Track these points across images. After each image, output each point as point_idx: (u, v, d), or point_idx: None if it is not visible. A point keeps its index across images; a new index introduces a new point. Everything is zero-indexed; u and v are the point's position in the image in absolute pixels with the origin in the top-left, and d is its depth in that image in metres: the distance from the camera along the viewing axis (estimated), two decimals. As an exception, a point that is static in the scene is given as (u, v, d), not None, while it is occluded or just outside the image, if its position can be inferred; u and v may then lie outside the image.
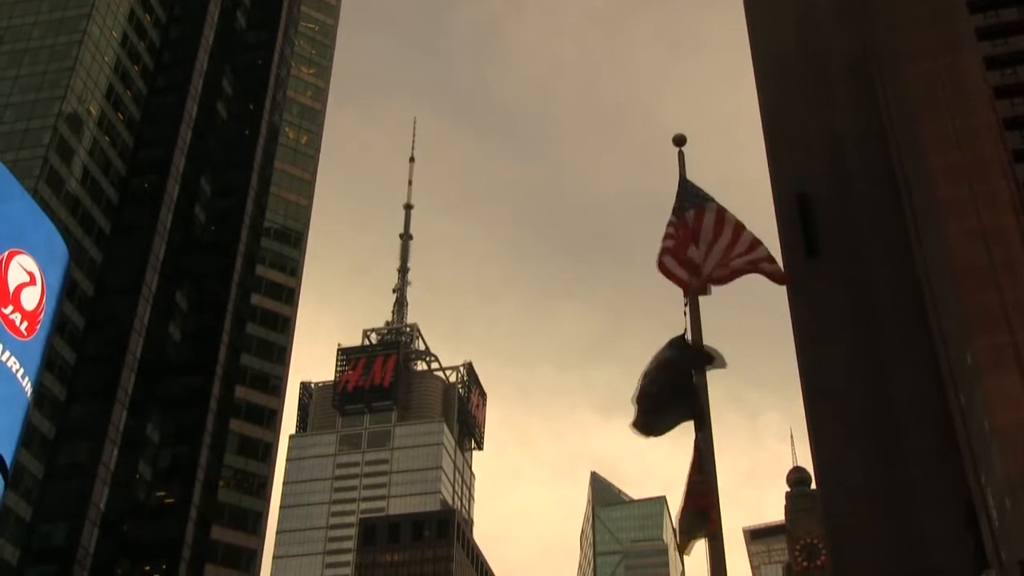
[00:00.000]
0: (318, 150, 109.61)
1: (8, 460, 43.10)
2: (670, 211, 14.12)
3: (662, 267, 13.36)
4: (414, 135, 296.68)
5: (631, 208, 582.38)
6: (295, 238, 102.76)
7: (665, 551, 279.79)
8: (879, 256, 50.23)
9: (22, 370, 43.41)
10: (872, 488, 45.18)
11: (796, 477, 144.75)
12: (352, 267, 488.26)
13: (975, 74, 44.29)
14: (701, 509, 11.23)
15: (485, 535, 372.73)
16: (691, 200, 13.89)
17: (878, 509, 44.81)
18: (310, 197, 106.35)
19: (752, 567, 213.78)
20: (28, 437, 55.73)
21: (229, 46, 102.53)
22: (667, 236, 13.59)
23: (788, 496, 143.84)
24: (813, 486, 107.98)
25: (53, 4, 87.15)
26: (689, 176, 14.76)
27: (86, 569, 71.30)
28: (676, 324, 12.62)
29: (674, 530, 11.77)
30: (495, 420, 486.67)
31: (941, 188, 40.37)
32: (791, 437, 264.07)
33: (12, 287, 43.12)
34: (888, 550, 43.23)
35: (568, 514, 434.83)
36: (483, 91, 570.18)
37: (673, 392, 11.90)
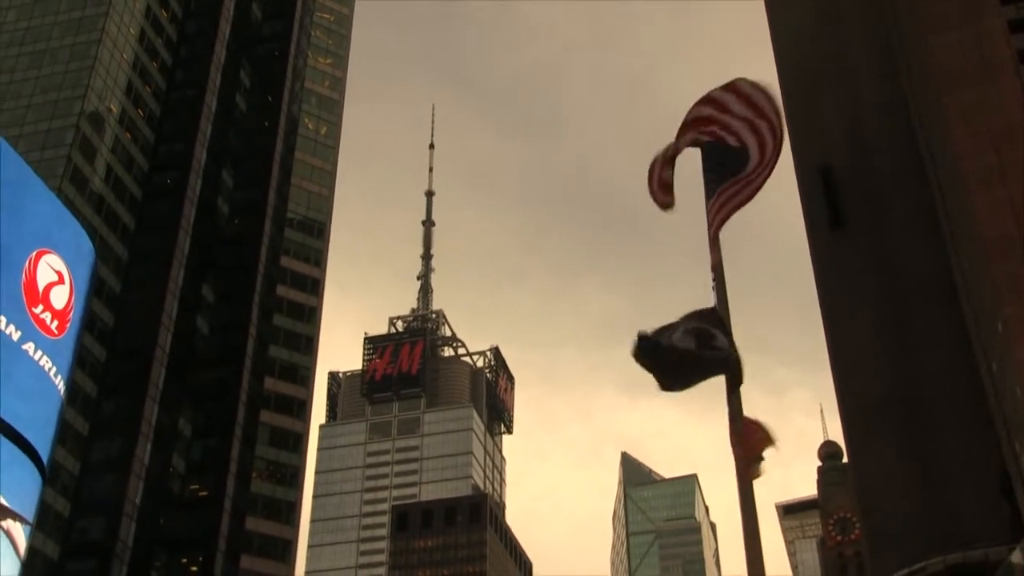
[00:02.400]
0: (338, 140, 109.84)
1: (45, 457, 43.66)
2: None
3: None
4: (433, 121, 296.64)
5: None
6: (318, 228, 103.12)
7: (698, 529, 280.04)
8: (905, 227, 49.76)
9: (54, 368, 43.90)
10: (905, 460, 44.91)
11: (827, 451, 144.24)
12: (375, 255, 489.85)
13: (999, 39, 43.64)
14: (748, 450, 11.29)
15: (516, 518, 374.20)
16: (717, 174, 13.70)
17: (911, 481, 44.53)
18: (331, 187, 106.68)
19: (786, 542, 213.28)
20: (63, 434, 56.39)
21: (245, 38, 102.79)
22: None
23: (820, 471, 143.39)
24: (845, 460, 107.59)
25: (72, 3, 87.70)
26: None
27: (125, 563, 72.20)
28: (698, 299, 12.49)
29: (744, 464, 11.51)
30: (521, 403, 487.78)
31: (967, 157, 39.85)
32: (821, 411, 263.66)
33: (42, 287, 43.57)
34: (922, 521, 42.93)
35: (598, 495, 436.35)
36: (498, 74, 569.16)
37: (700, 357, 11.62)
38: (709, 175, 13.35)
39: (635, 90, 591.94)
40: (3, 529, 40.20)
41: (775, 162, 12.78)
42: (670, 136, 13.90)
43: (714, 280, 12.63)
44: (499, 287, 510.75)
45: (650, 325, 12.28)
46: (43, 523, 64.63)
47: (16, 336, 41.58)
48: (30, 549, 43.08)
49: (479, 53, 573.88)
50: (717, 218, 12.73)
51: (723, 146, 12.97)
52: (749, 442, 11.45)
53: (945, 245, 46.03)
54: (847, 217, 50.21)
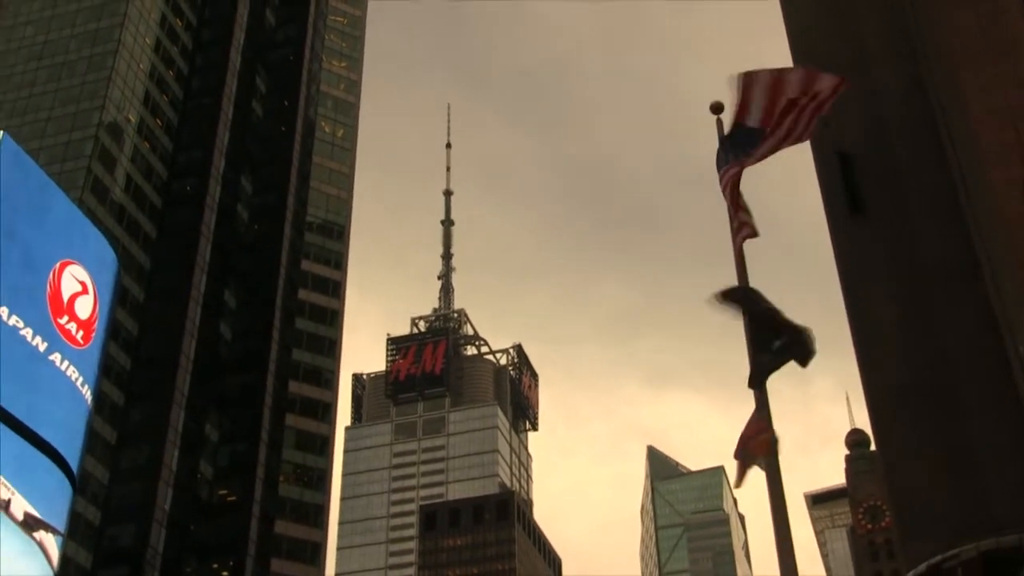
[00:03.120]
0: (354, 142, 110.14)
1: (74, 466, 44.00)
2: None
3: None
4: (449, 121, 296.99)
5: (664, 176, 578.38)
6: (337, 231, 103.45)
7: (727, 521, 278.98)
8: (925, 210, 49.34)
9: (81, 378, 44.23)
10: (933, 446, 44.62)
11: (854, 439, 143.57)
12: (394, 257, 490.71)
13: (1016, 16, 43.28)
14: (753, 438, 11.35)
15: (544, 515, 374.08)
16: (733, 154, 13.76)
17: (939, 466, 44.21)
18: (350, 190, 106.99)
19: (816, 532, 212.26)
20: (91, 443, 56.81)
21: (260, 44, 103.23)
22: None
23: (848, 459, 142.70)
24: (873, 448, 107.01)
25: (88, 16, 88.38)
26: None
27: (156, 569, 72.74)
28: (715, 286, 12.54)
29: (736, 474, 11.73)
30: (544, 400, 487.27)
31: (985, 136, 39.50)
32: (847, 399, 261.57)
33: (66, 297, 43.93)
34: (953, 506, 42.54)
35: (624, 489, 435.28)
36: (512, 72, 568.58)
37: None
38: (721, 153, 13.51)
39: (649, 86, 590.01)
40: (36, 540, 40.57)
41: (779, 141, 12.89)
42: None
43: (737, 268, 12.62)
44: (518, 285, 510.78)
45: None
46: (74, 532, 65.13)
47: (43, 347, 41.95)
48: (63, 558, 43.45)
49: (492, 52, 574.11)
50: (729, 187, 12.90)
51: (744, 127, 13.09)
52: (756, 440, 11.50)
53: (966, 227, 45.66)
54: (866, 202, 49.83)
